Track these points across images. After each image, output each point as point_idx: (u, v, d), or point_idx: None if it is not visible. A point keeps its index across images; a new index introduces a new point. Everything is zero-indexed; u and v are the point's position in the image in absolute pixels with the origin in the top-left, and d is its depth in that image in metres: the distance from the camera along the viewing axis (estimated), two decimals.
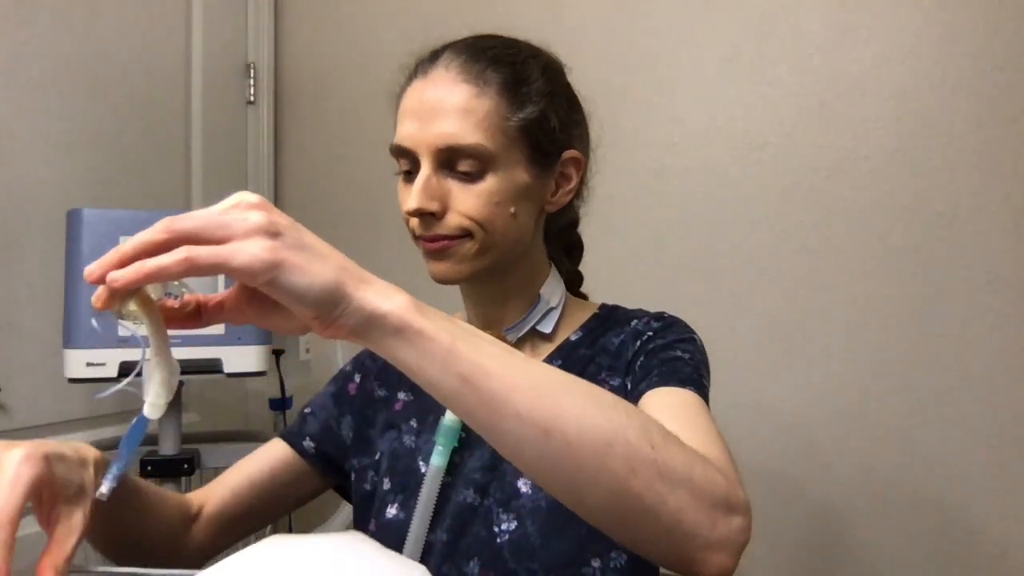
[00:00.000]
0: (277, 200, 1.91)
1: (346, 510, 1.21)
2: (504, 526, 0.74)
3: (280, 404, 1.53)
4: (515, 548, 0.73)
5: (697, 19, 1.49)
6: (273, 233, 0.47)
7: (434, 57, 0.78)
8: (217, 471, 1.34)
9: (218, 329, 1.16)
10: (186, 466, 1.23)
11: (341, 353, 1.27)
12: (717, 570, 0.53)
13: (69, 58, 1.40)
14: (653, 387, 0.71)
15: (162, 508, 0.76)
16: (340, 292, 0.49)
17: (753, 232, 1.44)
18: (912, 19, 1.34)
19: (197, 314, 0.53)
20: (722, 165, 1.46)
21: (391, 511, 0.79)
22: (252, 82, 1.84)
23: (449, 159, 0.73)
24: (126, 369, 1.11)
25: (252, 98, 1.85)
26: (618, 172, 1.55)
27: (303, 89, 1.89)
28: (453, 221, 0.74)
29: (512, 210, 0.75)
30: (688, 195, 1.49)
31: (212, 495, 0.83)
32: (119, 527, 0.71)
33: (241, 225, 0.47)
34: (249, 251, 0.46)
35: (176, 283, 0.51)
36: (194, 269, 0.46)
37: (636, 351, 0.78)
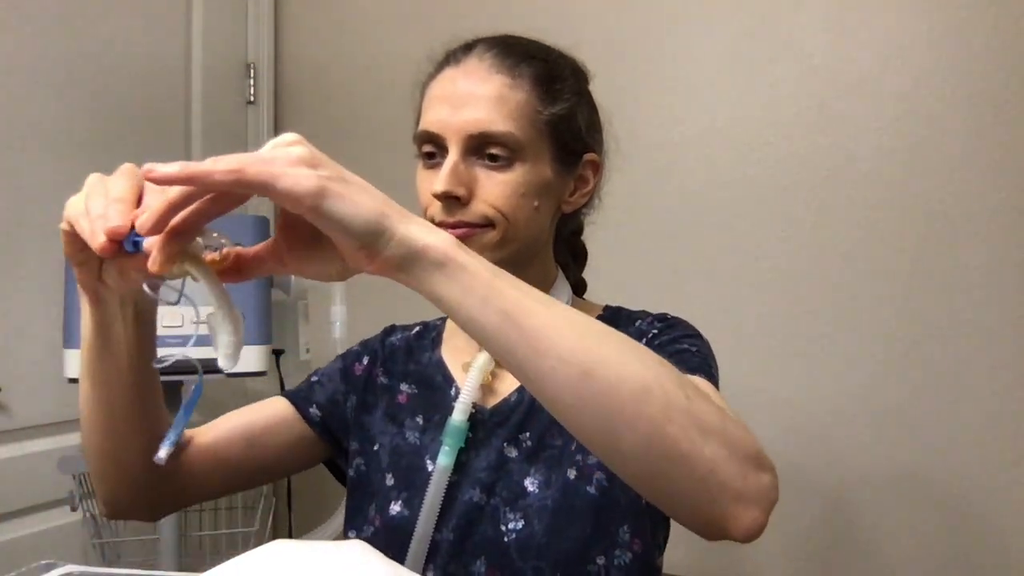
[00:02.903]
0: None
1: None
2: (511, 525, 0.74)
3: None
4: (522, 547, 0.73)
5: (697, 19, 1.49)
6: (315, 164, 0.48)
7: (467, 48, 0.78)
8: None
9: None
10: None
11: (340, 352, 1.27)
12: (749, 523, 0.53)
13: (69, 58, 1.40)
14: None
15: (160, 418, 0.73)
16: (384, 222, 0.49)
17: (753, 232, 1.44)
18: (912, 19, 1.34)
19: (237, 268, 0.53)
20: (722, 165, 1.46)
21: (395, 508, 0.79)
22: (252, 82, 1.84)
23: (479, 146, 0.73)
24: None
25: (252, 98, 1.85)
26: (618, 172, 1.54)
27: (303, 89, 1.89)
28: (478, 209, 0.73)
29: (536, 204, 0.75)
30: (688, 195, 1.49)
31: (204, 430, 0.81)
32: (132, 422, 0.69)
33: (285, 157, 0.48)
34: (295, 175, 0.47)
35: (215, 234, 0.51)
36: (242, 183, 0.45)
37: None
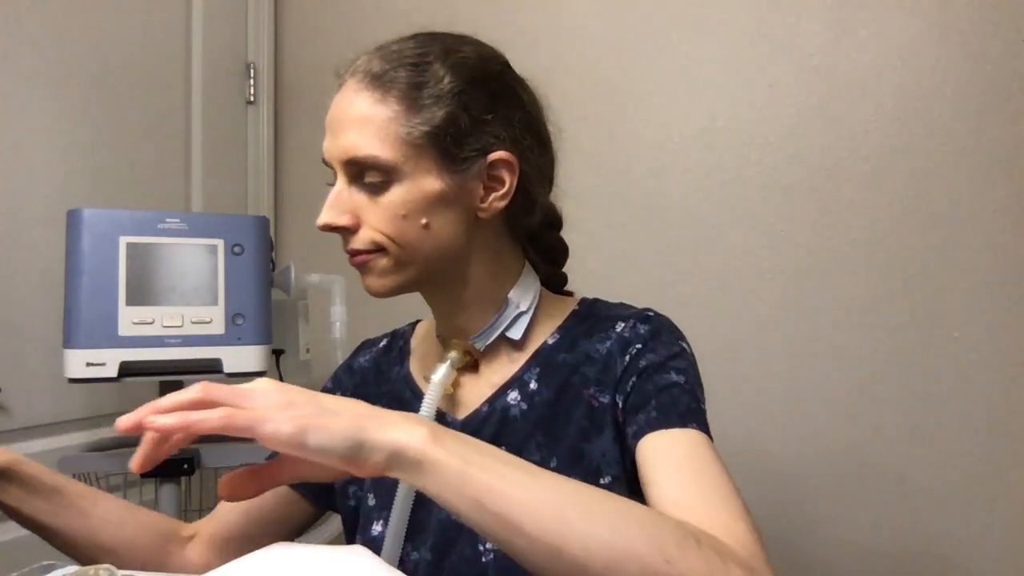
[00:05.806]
0: (277, 200, 1.91)
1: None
2: (489, 544, 0.71)
3: None
4: (500, 567, 0.71)
5: (697, 19, 1.49)
6: (291, 405, 0.53)
7: (350, 65, 0.76)
8: (217, 471, 1.34)
9: (218, 328, 1.16)
10: (186, 466, 1.23)
11: (340, 352, 1.27)
12: None
13: (69, 58, 1.40)
14: (653, 428, 0.69)
15: (134, 516, 0.81)
16: (362, 436, 0.53)
17: (753, 232, 1.44)
18: (912, 19, 1.34)
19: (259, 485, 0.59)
20: (722, 165, 1.46)
21: (376, 528, 0.78)
22: (252, 82, 1.84)
23: (357, 172, 0.71)
24: (126, 369, 1.11)
25: (252, 98, 1.85)
26: (618, 172, 1.55)
27: (303, 89, 1.89)
28: (365, 235, 0.72)
29: (423, 221, 0.71)
30: (688, 195, 1.49)
31: (207, 522, 0.86)
32: (82, 530, 0.77)
33: (264, 398, 0.54)
34: (276, 421, 0.52)
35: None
36: (231, 427, 0.51)
37: (627, 367, 0.74)
